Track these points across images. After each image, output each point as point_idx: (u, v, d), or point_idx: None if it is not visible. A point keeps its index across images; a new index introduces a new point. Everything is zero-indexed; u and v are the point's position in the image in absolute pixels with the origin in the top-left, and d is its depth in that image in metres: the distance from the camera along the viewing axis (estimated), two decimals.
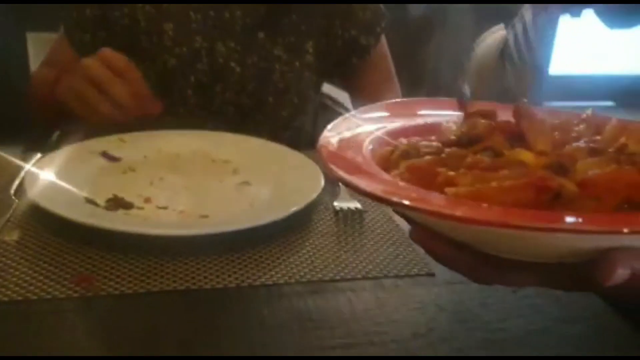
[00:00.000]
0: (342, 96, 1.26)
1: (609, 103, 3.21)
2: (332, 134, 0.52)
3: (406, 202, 0.40)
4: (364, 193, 0.42)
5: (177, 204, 0.71)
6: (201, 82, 1.02)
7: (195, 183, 0.78)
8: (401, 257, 0.66)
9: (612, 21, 0.71)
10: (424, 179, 0.44)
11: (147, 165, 0.81)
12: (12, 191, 0.72)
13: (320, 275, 0.62)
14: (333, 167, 0.45)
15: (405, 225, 0.61)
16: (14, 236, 0.65)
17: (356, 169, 0.46)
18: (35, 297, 0.56)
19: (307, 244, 0.68)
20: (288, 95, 1.05)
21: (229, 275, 0.61)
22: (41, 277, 0.59)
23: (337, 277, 0.62)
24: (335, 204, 0.75)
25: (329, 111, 1.23)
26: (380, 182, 0.44)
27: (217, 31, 1.02)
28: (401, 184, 0.44)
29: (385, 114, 0.59)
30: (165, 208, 0.70)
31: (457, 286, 0.61)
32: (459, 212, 0.38)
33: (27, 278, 0.58)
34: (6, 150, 0.81)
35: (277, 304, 0.58)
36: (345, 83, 1.20)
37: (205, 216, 0.69)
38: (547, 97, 2.79)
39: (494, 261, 0.41)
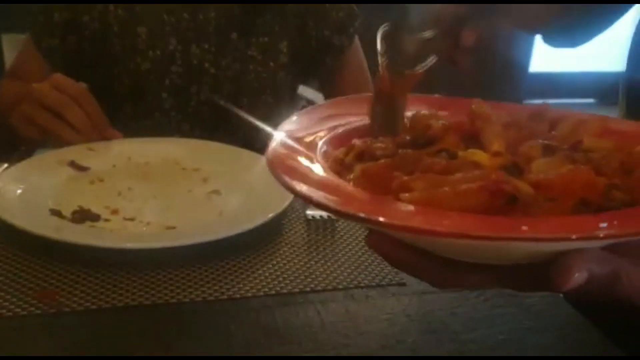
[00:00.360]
0: (320, 98, 1.25)
1: (590, 100, 3.24)
2: (283, 136, 0.48)
3: (361, 215, 0.38)
4: (317, 205, 0.39)
5: (145, 215, 0.70)
6: (176, 84, 1.01)
7: (164, 192, 0.76)
8: (372, 266, 0.65)
9: (556, 42, 0.72)
10: (380, 184, 0.42)
11: (115, 175, 0.80)
12: None
13: (289, 287, 0.61)
14: (282, 175, 0.42)
15: None
16: None
17: (306, 176, 0.43)
18: None
19: (277, 254, 0.67)
20: (263, 96, 1.05)
21: (196, 289, 0.60)
22: (2, 293, 0.57)
23: (307, 289, 0.61)
24: (307, 212, 0.74)
25: None
26: (332, 191, 0.42)
27: (191, 33, 1.00)
28: (354, 192, 0.42)
29: (336, 111, 0.55)
30: (132, 219, 0.69)
31: (427, 296, 0.61)
32: (405, 222, 0.37)
33: None
34: None
35: (245, 318, 0.57)
36: (320, 84, 1.19)
37: (173, 227, 0.68)
38: (528, 94, 2.80)
39: (452, 264, 0.40)
